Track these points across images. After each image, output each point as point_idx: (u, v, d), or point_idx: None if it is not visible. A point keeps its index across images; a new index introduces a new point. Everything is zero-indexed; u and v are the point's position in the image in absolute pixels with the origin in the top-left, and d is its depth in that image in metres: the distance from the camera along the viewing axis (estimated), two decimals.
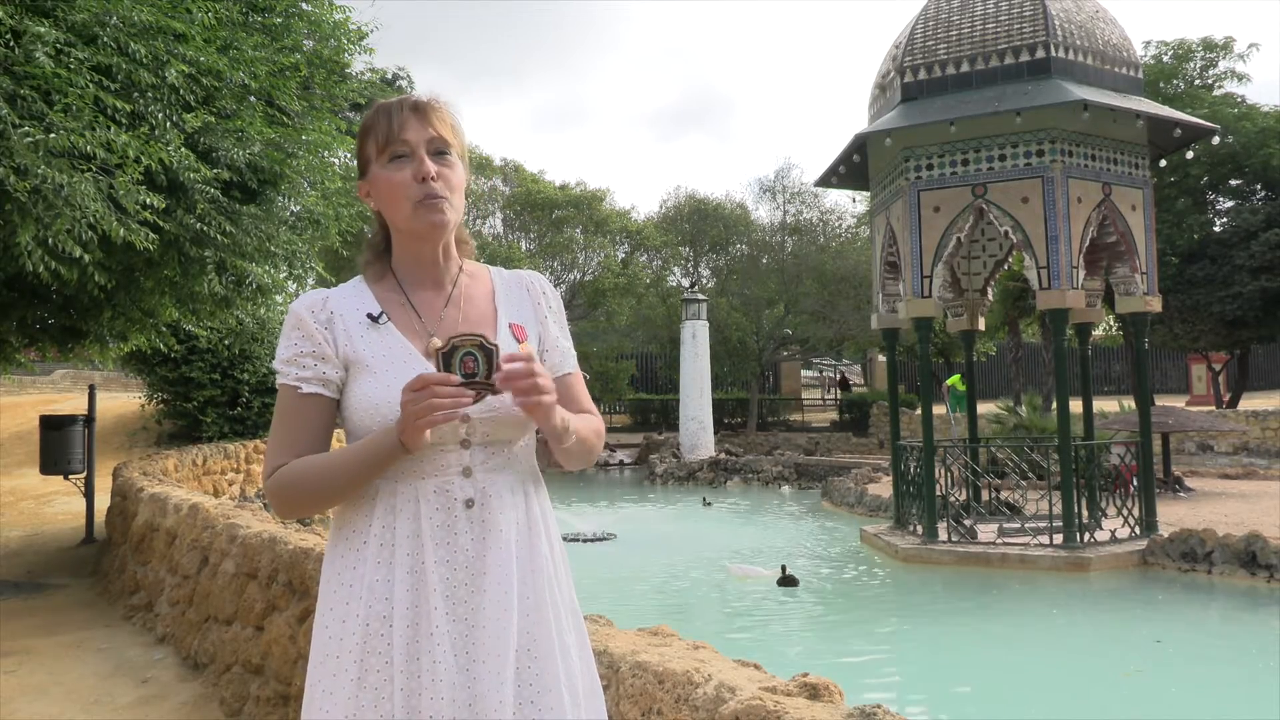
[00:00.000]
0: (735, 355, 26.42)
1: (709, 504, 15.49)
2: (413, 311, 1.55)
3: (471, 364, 1.35)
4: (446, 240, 1.57)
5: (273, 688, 3.73)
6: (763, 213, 28.86)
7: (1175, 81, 21.30)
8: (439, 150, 1.52)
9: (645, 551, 10.64)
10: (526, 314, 1.63)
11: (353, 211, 7.96)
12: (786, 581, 8.58)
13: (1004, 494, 11.08)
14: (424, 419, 1.31)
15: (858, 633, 7.19)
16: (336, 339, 1.52)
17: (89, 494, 8.92)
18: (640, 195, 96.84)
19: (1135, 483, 9.60)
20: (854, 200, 27.34)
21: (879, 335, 11.73)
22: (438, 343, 1.42)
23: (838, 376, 34.71)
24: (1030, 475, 10.76)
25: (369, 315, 1.53)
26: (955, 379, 23.45)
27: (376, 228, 1.63)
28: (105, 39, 4.89)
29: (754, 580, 8.82)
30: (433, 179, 1.49)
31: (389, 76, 28.28)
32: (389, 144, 1.51)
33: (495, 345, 1.36)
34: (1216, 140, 12.60)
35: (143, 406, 15.19)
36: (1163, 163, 17.43)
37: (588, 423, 1.59)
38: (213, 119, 5.67)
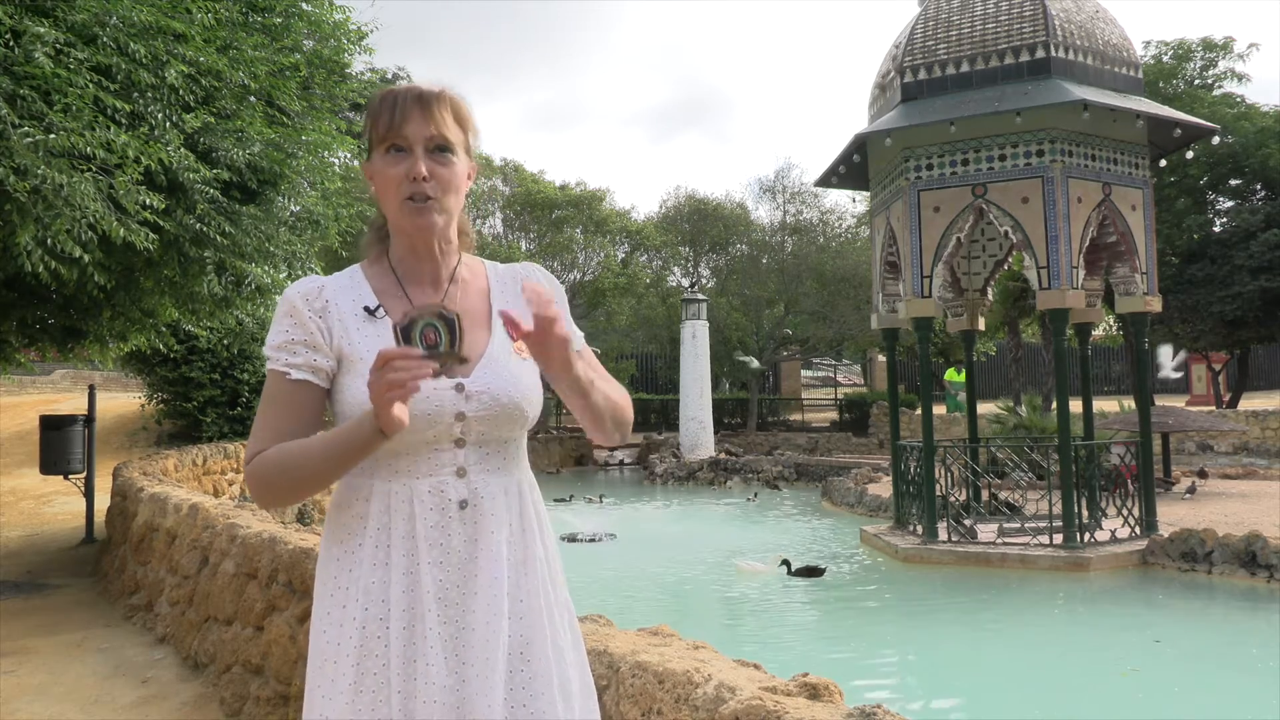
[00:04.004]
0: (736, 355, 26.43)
1: (754, 499, 15.99)
2: (408, 305, 1.52)
3: (433, 335, 1.31)
4: (443, 237, 1.54)
5: (273, 688, 3.73)
6: (763, 213, 28.89)
7: (1175, 81, 21.30)
8: (438, 147, 1.48)
9: (645, 551, 10.64)
10: (523, 308, 1.58)
11: (352, 212, 7.97)
12: (810, 571, 8.66)
13: (1004, 494, 11.08)
14: (387, 395, 1.26)
15: (858, 633, 7.19)
16: (331, 329, 1.49)
17: (89, 494, 8.92)
18: (640, 195, 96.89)
19: (1135, 483, 9.60)
20: (854, 200, 27.34)
21: (879, 335, 11.74)
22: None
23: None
24: (1030, 475, 10.76)
25: (365, 308, 1.50)
26: (951, 372, 23.44)
27: (379, 210, 1.60)
28: (105, 39, 4.89)
29: (760, 576, 8.87)
30: (423, 179, 1.46)
31: (389, 76, 28.28)
32: (388, 135, 1.48)
33: (455, 314, 1.32)
34: (1216, 140, 12.61)
35: (143, 406, 15.20)
36: (1163, 163, 17.43)
37: (610, 386, 1.55)
38: (213, 119, 5.67)
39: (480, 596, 1.41)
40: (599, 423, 1.52)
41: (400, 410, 1.29)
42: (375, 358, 1.27)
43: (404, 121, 1.47)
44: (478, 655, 1.38)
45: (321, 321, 1.49)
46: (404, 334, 1.31)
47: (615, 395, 1.55)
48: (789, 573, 8.74)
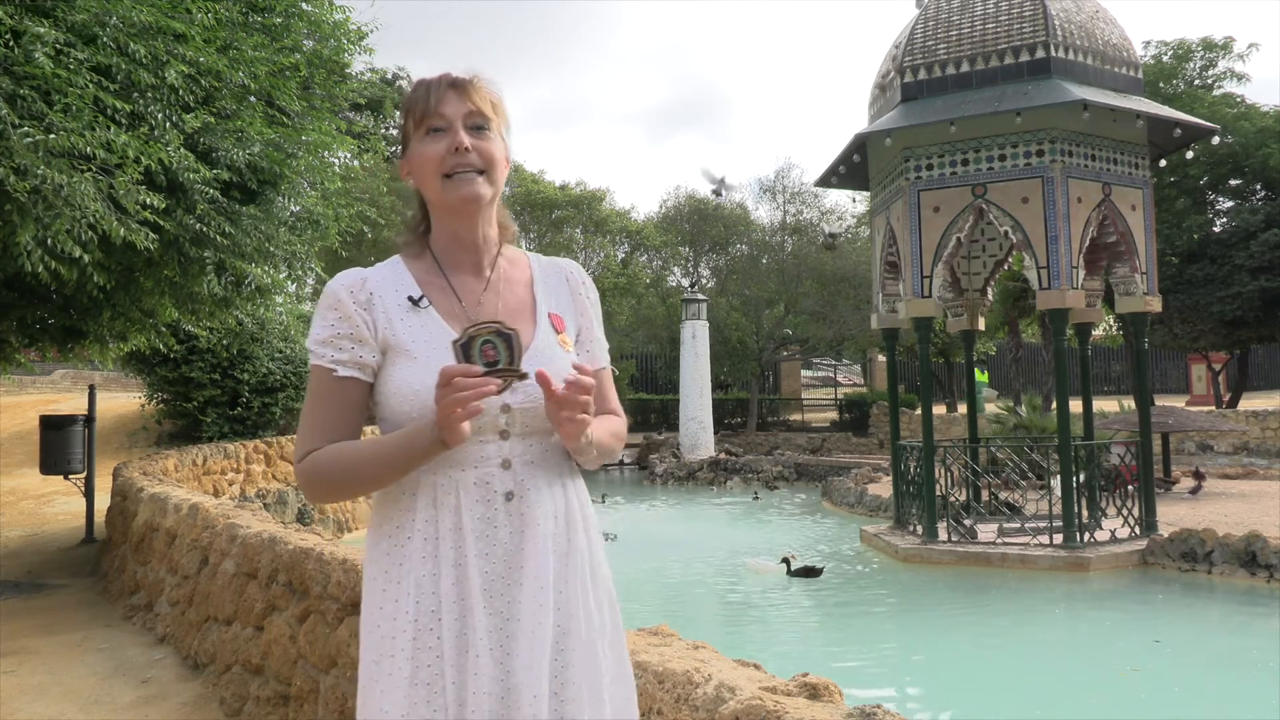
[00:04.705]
0: (735, 355, 26.41)
1: (759, 498, 16.24)
2: (453, 294, 1.52)
3: (492, 352, 1.33)
4: (486, 220, 1.55)
5: (273, 688, 3.72)
6: (763, 213, 28.90)
7: (1175, 81, 21.30)
8: (476, 125, 1.50)
9: (645, 551, 10.64)
10: (565, 304, 1.61)
11: (352, 212, 7.96)
12: (809, 572, 8.66)
13: (1004, 494, 11.08)
14: (453, 415, 1.29)
15: (857, 632, 7.19)
16: (375, 321, 1.49)
17: (89, 494, 8.92)
18: (640, 195, 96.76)
19: (1135, 483, 9.59)
20: (854, 200, 27.35)
21: (879, 335, 11.74)
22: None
23: None
24: (1030, 475, 10.77)
25: (410, 298, 1.50)
26: (978, 374, 23.50)
27: (416, 206, 1.61)
28: (105, 39, 4.89)
29: (770, 574, 8.87)
30: (466, 149, 1.47)
31: (389, 76, 28.26)
32: (425, 118, 1.49)
33: (514, 330, 1.34)
34: (1216, 140, 12.60)
35: (143, 406, 15.18)
36: (1163, 163, 17.43)
37: (609, 425, 1.58)
38: (213, 119, 5.67)
39: (526, 588, 1.42)
40: (581, 462, 1.55)
41: (465, 424, 1.32)
42: (438, 374, 1.30)
43: (440, 102, 1.49)
44: (524, 647, 1.39)
45: (367, 314, 1.49)
46: (464, 351, 1.33)
47: (608, 439, 1.56)
48: (788, 572, 8.75)
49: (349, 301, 1.49)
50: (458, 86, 1.50)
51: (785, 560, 8.87)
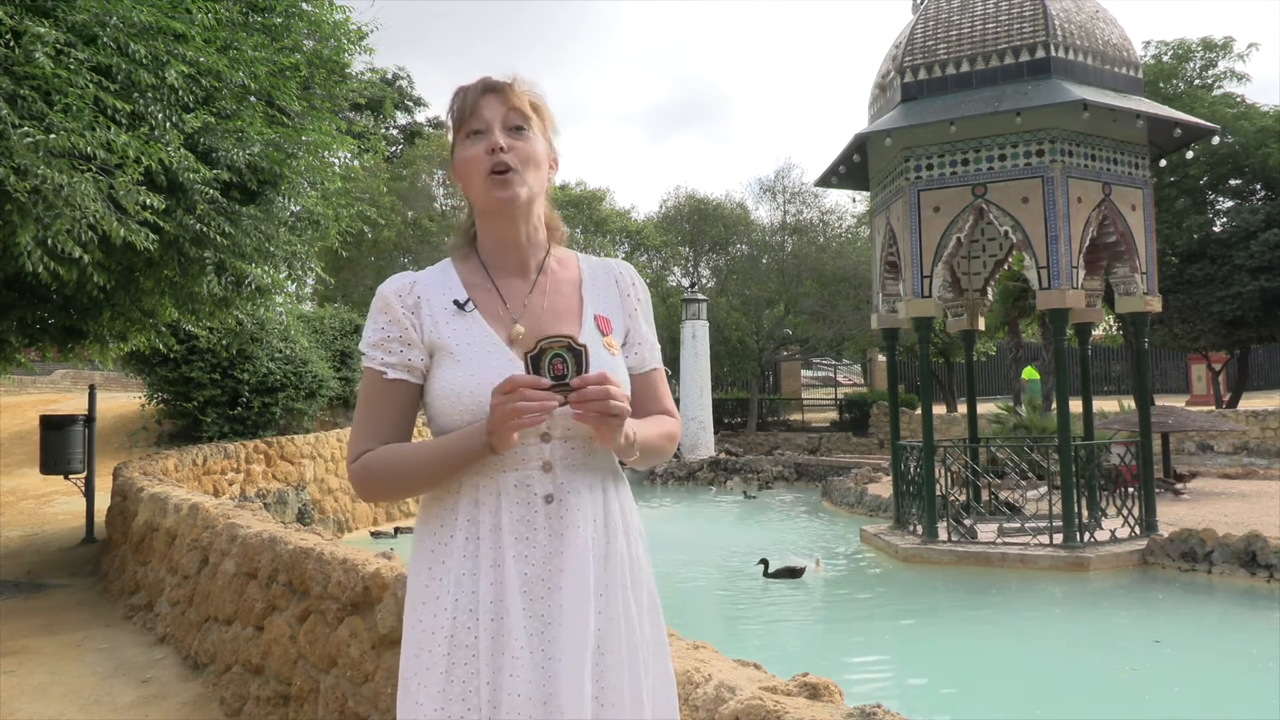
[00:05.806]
0: (735, 355, 26.41)
1: (753, 496, 16.40)
2: (498, 297, 1.55)
3: (561, 366, 1.35)
4: (529, 221, 1.57)
5: (273, 688, 3.72)
6: (763, 213, 28.88)
7: (1175, 81, 21.29)
8: (515, 125, 1.53)
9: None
10: (614, 306, 1.62)
11: (352, 212, 7.95)
12: (789, 573, 8.58)
13: (1004, 494, 11.08)
14: (511, 422, 1.33)
15: (857, 632, 7.19)
16: (423, 324, 1.52)
17: (89, 494, 8.92)
18: (640, 195, 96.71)
19: (1135, 483, 9.59)
20: (854, 200, 27.34)
21: (879, 335, 11.75)
22: (520, 330, 1.43)
23: None
24: (1030, 475, 10.77)
25: (455, 301, 1.53)
26: (1029, 370, 23.41)
27: (467, 211, 1.65)
28: (105, 39, 4.89)
29: (816, 573, 8.86)
30: (501, 150, 1.49)
31: (389, 76, 28.26)
32: (465, 122, 1.53)
33: (584, 346, 1.36)
34: (1216, 140, 12.60)
35: (143, 406, 15.17)
36: (1163, 163, 17.42)
37: (659, 426, 1.59)
38: (212, 119, 5.67)
39: (566, 591, 1.42)
40: (630, 460, 1.55)
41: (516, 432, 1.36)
42: (504, 381, 1.34)
43: (478, 105, 1.52)
44: (565, 650, 1.39)
45: (415, 317, 1.52)
46: (534, 363, 1.35)
47: (657, 440, 1.56)
48: (765, 574, 8.63)
49: (397, 305, 1.53)
50: (496, 89, 1.53)
51: (763, 561, 8.79)
